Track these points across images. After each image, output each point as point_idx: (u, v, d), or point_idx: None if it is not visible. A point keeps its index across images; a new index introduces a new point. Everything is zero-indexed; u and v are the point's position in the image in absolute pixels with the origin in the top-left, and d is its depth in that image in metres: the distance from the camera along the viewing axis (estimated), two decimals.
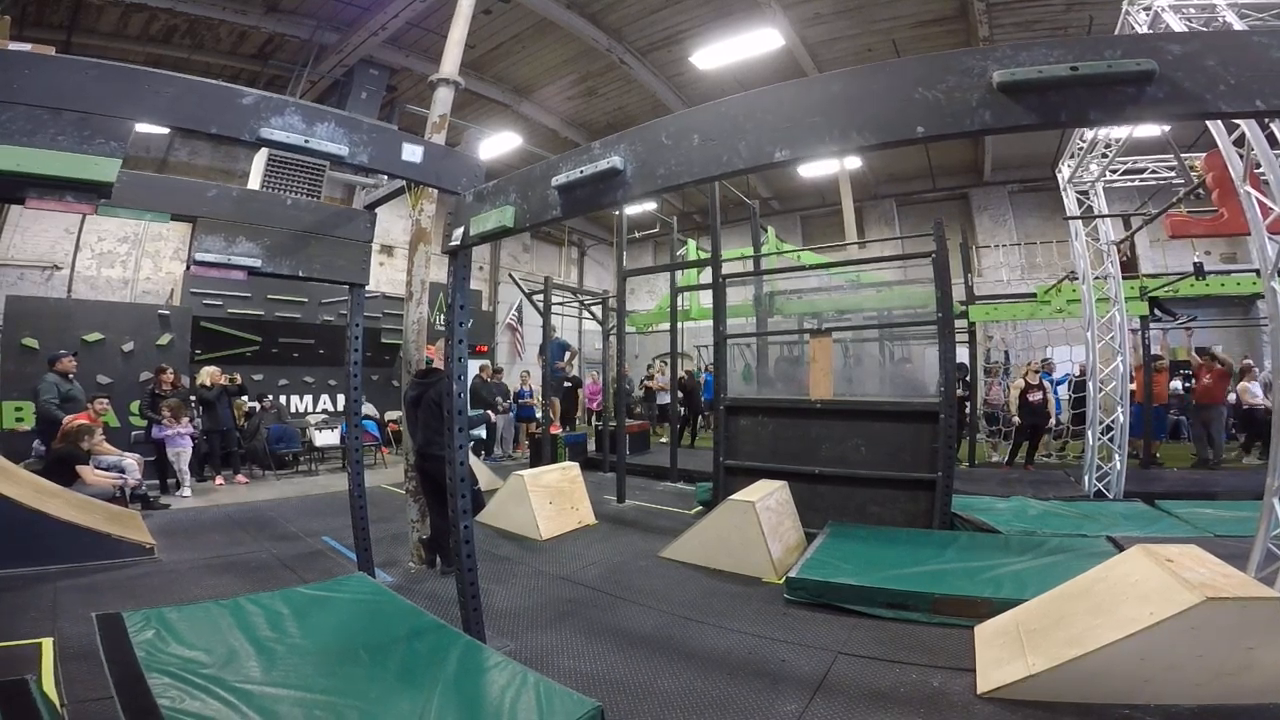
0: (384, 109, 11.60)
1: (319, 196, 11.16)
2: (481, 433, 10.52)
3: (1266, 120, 3.60)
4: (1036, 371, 9.31)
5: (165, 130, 8.61)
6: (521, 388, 12.14)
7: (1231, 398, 9.52)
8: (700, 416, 13.61)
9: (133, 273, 11.12)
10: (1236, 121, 3.77)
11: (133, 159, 10.53)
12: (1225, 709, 2.56)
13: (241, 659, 2.73)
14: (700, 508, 6.73)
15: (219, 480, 8.23)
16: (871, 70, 1.84)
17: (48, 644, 3.21)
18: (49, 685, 2.78)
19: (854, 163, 13.95)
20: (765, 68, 10.47)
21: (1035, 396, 8.95)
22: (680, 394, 11.08)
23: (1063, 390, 10.25)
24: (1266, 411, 8.57)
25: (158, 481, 7.56)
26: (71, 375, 7.32)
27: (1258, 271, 3.94)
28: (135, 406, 8.34)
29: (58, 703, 2.60)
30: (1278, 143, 3.67)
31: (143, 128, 2.80)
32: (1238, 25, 3.98)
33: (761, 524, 4.69)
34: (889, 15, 9.66)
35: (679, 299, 9.67)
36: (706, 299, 10.07)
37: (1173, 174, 7.45)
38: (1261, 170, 3.65)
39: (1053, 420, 9.73)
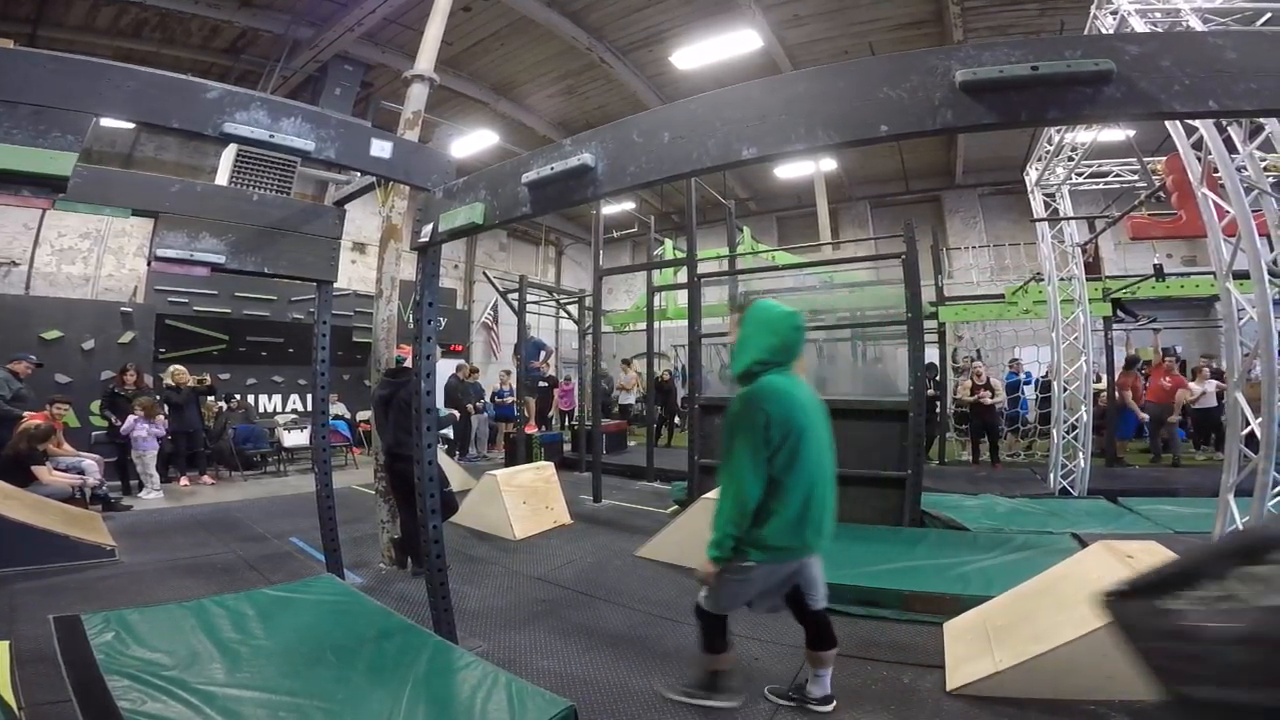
0: (359, 105, 11.43)
1: (290, 193, 10.95)
2: (449, 433, 10.44)
3: (1224, 123, 3.71)
4: (980, 373, 9.51)
5: (131, 125, 8.42)
6: (501, 387, 12.04)
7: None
8: (676, 416, 13.64)
9: (94, 269, 10.82)
10: (1195, 125, 3.88)
11: (98, 153, 10.32)
12: None
13: (205, 661, 2.68)
14: (676, 507, 6.74)
15: (184, 481, 8.05)
16: (837, 70, 1.85)
17: (3, 647, 3.08)
18: (5, 688, 2.69)
19: (829, 164, 14.08)
20: (744, 69, 10.51)
21: (984, 396, 9.17)
22: (657, 393, 11.11)
23: (1029, 390, 10.48)
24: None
25: (119, 482, 7.39)
26: (23, 377, 7.08)
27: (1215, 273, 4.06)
28: (96, 406, 8.13)
29: (15, 705, 2.52)
30: (1235, 147, 3.77)
31: (108, 122, 2.73)
32: (1201, 30, 4.07)
33: None
34: (867, 18, 9.77)
35: (656, 298, 9.68)
36: (683, 298, 10.11)
37: (1136, 177, 7.64)
38: (1219, 174, 3.75)
39: (1003, 420, 9.98)
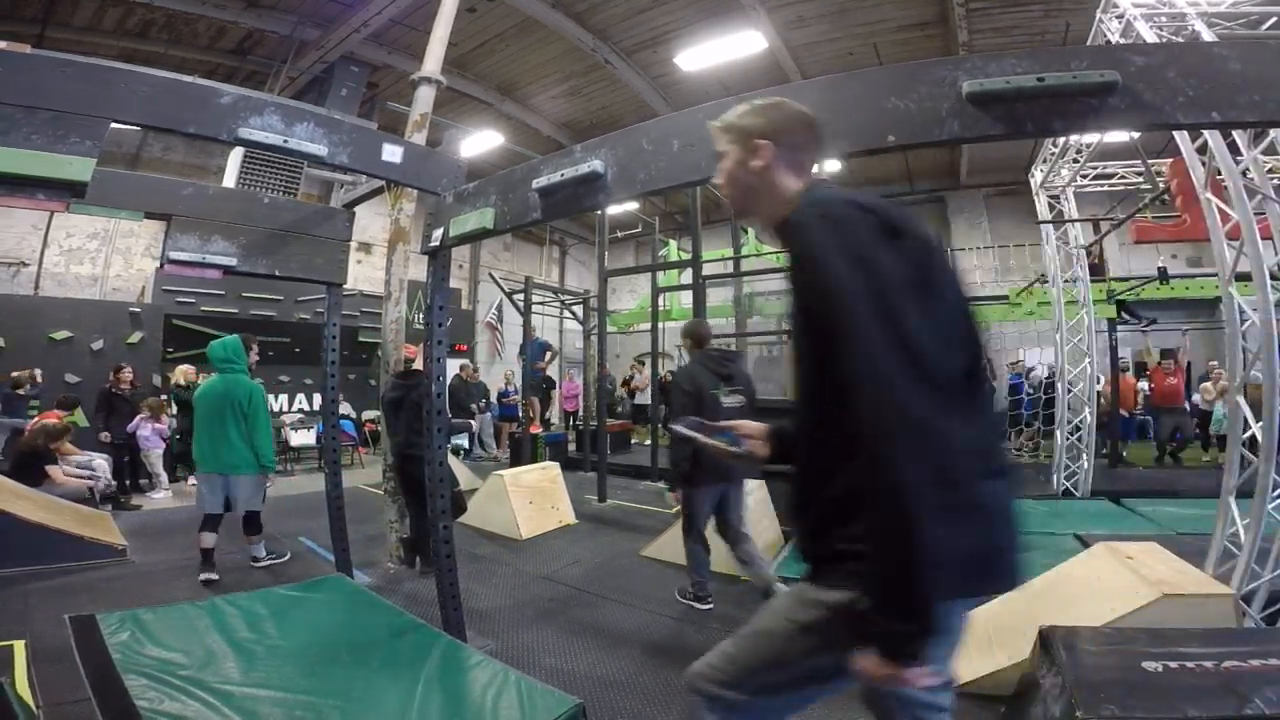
0: (364, 106, 11.48)
1: (296, 194, 11.04)
2: (464, 441, 10.56)
3: (1228, 129, 3.72)
4: None
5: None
6: (505, 387, 12.06)
7: (1196, 398, 9.80)
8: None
9: (102, 270, 10.88)
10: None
11: (105, 154, 10.28)
12: None
13: (220, 660, 2.72)
14: (679, 507, 6.75)
15: (192, 480, 8.08)
16: (845, 79, 1.88)
17: (20, 646, 3.15)
18: (23, 687, 2.74)
19: (833, 164, 14.09)
20: (748, 70, 10.54)
21: None
22: (660, 394, 11.12)
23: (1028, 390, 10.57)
24: None
25: (126, 482, 7.43)
26: None
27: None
28: None
29: (33, 704, 2.57)
30: (1239, 150, 3.78)
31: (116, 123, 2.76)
32: (1206, 35, 4.06)
33: None
34: (871, 20, 9.76)
35: (660, 299, 9.71)
36: (687, 299, 10.14)
37: (1141, 179, 7.64)
38: (1223, 178, 3.76)
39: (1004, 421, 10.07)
